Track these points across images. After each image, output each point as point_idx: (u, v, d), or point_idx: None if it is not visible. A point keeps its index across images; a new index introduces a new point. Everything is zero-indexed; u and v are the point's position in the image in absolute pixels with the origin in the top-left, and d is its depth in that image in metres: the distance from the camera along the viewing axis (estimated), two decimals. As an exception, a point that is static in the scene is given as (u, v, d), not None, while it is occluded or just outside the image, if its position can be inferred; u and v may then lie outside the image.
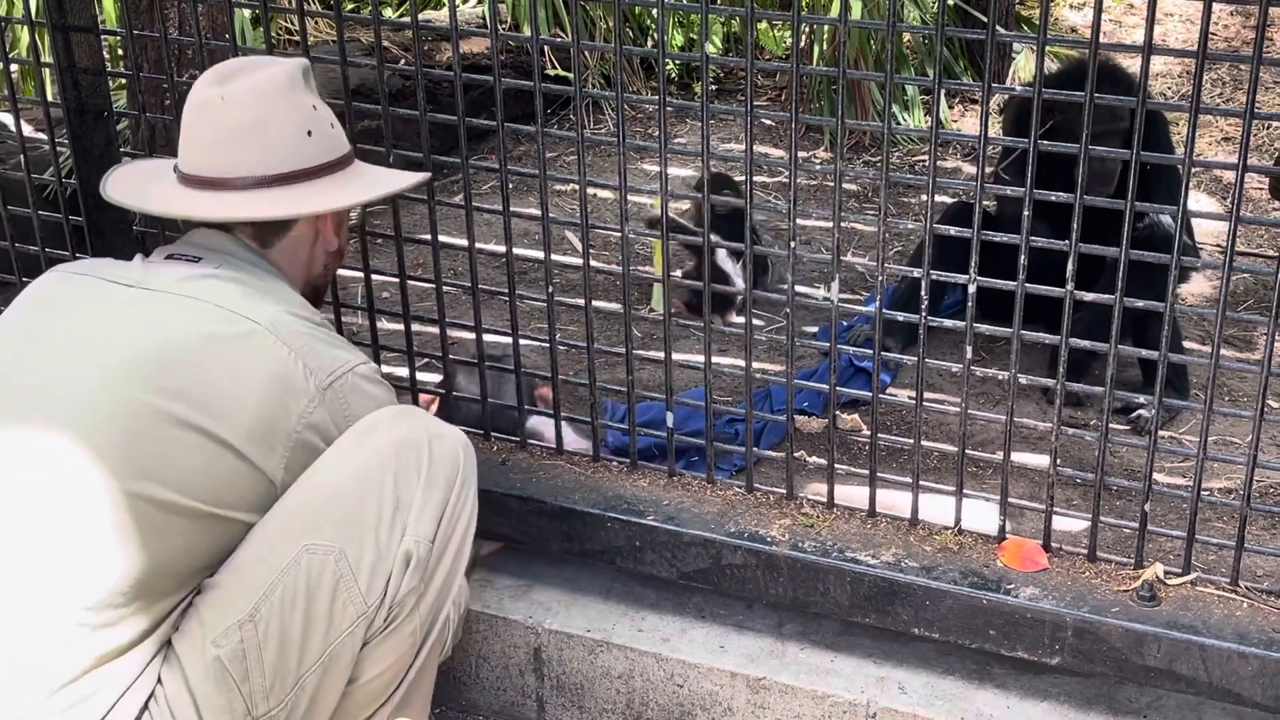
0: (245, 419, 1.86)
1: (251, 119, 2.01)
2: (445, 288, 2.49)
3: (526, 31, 2.60)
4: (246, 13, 4.20)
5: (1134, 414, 3.20)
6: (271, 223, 2.06)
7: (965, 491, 2.25)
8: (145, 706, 1.83)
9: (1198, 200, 4.51)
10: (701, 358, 2.33)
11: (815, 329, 3.62)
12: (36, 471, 1.81)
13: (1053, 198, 2.05)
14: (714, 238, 2.33)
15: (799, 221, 2.16)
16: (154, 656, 1.85)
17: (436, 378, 2.59)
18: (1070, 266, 2.03)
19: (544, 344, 2.45)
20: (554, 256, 2.39)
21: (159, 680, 1.85)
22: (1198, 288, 3.92)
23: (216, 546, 1.89)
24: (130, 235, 2.64)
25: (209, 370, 1.87)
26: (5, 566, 1.80)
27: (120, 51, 4.17)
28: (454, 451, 2.02)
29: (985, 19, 2.06)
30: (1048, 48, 2.01)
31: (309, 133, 2.05)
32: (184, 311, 1.92)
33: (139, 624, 1.82)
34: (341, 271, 2.57)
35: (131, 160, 2.34)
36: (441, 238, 2.46)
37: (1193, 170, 1.98)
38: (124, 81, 2.87)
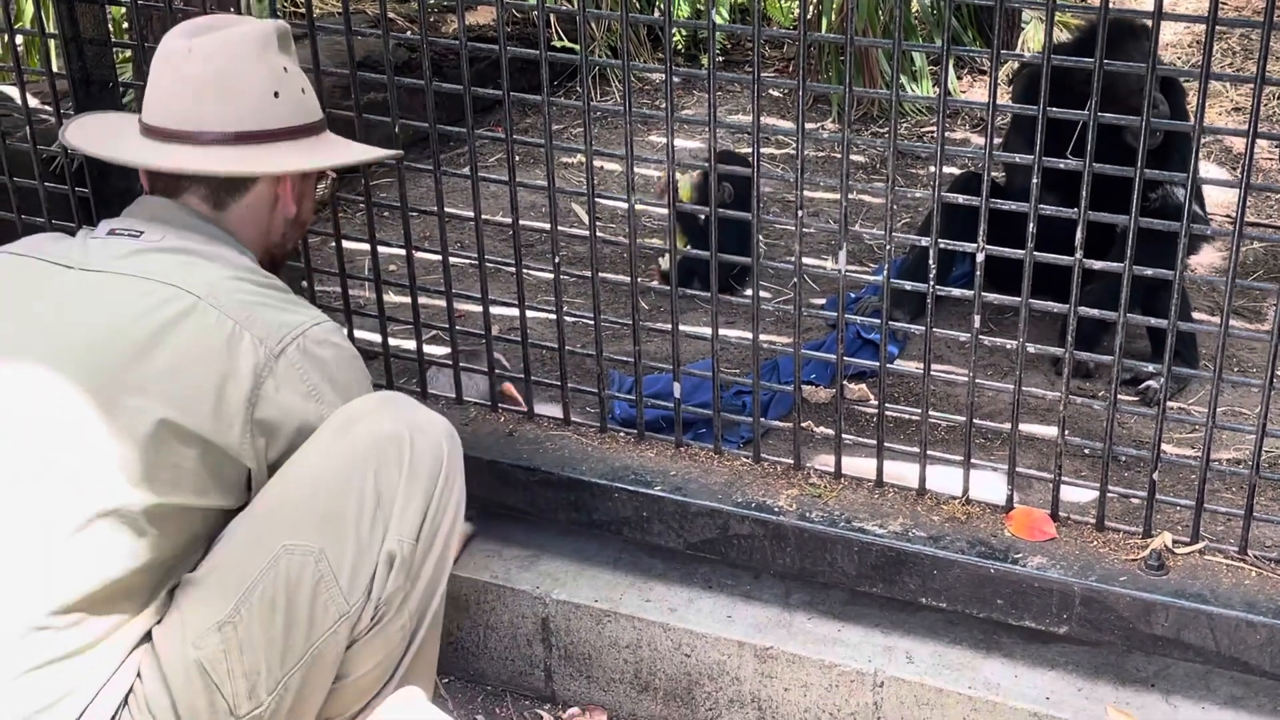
0: (195, 400, 1.81)
1: (216, 71, 1.96)
2: (451, 260, 2.48)
3: (532, 1, 2.59)
4: (252, -16, 4.18)
5: (1143, 385, 3.19)
6: (228, 183, 2.00)
7: (973, 461, 2.25)
8: (124, 702, 1.79)
9: (1208, 170, 4.49)
10: (709, 329, 2.32)
11: (823, 300, 3.61)
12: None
13: (1060, 165, 2.04)
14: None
15: (806, 192, 2.15)
16: (132, 650, 1.81)
17: (444, 350, 2.59)
18: (1079, 234, 2.02)
19: (551, 315, 2.44)
20: (560, 228, 2.38)
21: (138, 675, 1.81)
22: (1207, 258, 3.90)
23: (187, 535, 1.85)
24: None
25: (154, 354, 1.81)
26: None
27: (125, 23, 4.15)
28: (437, 444, 1.95)
29: (994, -13, 2.05)
30: (1057, 15, 1.99)
31: (276, 94, 2.00)
32: (123, 293, 1.86)
33: (111, 620, 1.78)
34: (347, 244, 2.57)
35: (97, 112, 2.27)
36: (448, 209, 2.45)
37: (1203, 139, 1.97)
38: (129, 53, 2.86)
